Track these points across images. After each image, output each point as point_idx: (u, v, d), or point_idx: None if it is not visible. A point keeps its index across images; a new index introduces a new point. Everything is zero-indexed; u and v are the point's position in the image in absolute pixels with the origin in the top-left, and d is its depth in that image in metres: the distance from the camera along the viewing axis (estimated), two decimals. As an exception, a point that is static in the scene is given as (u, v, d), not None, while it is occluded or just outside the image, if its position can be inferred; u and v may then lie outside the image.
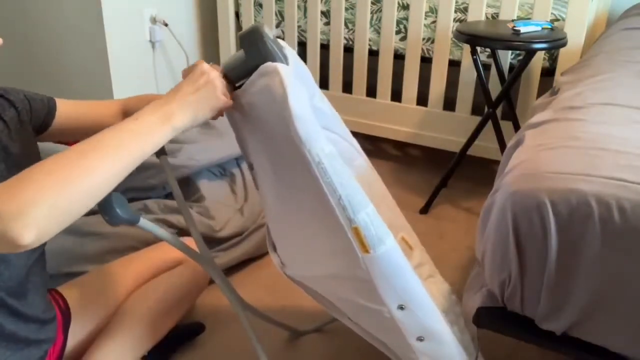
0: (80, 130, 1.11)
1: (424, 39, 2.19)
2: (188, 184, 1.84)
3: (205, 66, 0.86)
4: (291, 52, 0.93)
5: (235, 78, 0.89)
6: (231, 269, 1.68)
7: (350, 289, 0.91)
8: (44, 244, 1.06)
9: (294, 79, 0.82)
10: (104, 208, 0.82)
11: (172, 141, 1.79)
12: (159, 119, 0.80)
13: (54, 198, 0.68)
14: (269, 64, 0.83)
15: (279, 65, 0.82)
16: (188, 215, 1.07)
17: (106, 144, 0.75)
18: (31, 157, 1.01)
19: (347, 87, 2.42)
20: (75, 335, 1.13)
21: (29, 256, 0.99)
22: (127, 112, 1.12)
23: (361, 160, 1.22)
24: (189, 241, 1.36)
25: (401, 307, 0.87)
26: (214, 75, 0.86)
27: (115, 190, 0.83)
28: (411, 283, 0.86)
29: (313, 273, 0.98)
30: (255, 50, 0.84)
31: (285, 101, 0.79)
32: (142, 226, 0.92)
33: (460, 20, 2.12)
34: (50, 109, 1.07)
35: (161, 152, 1.10)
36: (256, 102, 0.86)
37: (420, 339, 0.91)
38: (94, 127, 1.10)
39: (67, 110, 1.09)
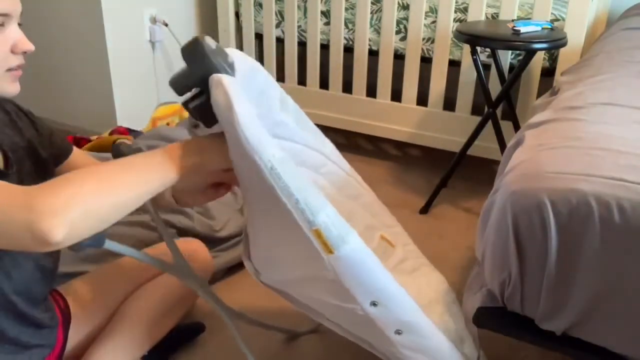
0: None
1: (424, 39, 2.19)
2: (188, 184, 1.84)
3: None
4: (244, 61, 0.93)
5: (179, 91, 0.89)
6: (231, 269, 1.68)
7: (321, 290, 0.91)
8: (59, 255, 1.07)
9: (239, 89, 0.82)
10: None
11: (172, 141, 1.79)
12: (159, 168, 0.83)
13: (89, 204, 0.72)
14: (213, 76, 0.83)
15: (222, 77, 0.82)
16: (160, 225, 1.05)
17: (138, 168, 0.80)
18: (42, 177, 1.03)
19: (347, 87, 2.42)
20: (75, 336, 1.13)
21: (39, 261, 0.99)
22: None
23: (331, 166, 1.22)
24: (191, 242, 1.36)
25: (374, 304, 0.87)
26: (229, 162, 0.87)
27: None
28: (381, 279, 0.85)
29: (285, 277, 0.98)
30: (196, 63, 0.84)
31: (231, 111, 0.79)
32: (108, 248, 0.92)
33: (460, 20, 2.12)
34: (66, 149, 1.10)
35: None
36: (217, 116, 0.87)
37: (398, 332, 0.91)
38: None
39: (77, 160, 1.12)
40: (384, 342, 0.94)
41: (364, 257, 0.83)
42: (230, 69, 0.85)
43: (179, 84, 0.88)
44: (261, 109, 1.04)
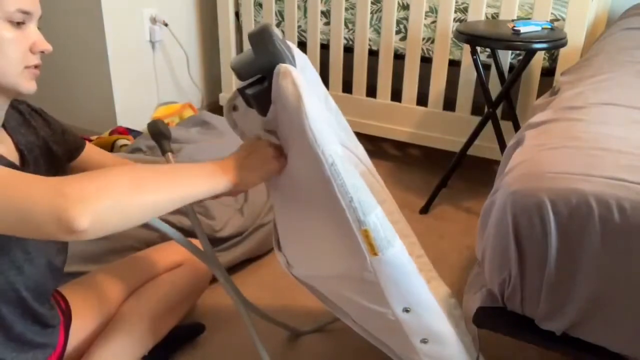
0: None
1: (424, 39, 2.19)
2: (188, 184, 1.84)
3: (265, 142, 0.91)
4: (300, 55, 0.93)
5: (243, 76, 0.90)
6: (232, 269, 1.68)
7: (355, 291, 0.91)
8: (67, 256, 1.08)
9: (304, 80, 0.82)
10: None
11: (172, 141, 1.79)
12: (215, 169, 0.86)
13: (118, 199, 0.73)
14: (280, 65, 0.83)
15: (290, 67, 0.82)
16: (193, 215, 1.08)
17: (172, 175, 0.81)
18: (56, 166, 1.05)
19: (347, 87, 2.42)
20: (76, 336, 1.13)
21: (51, 258, 1.00)
22: None
23: (362, 168, 1.22)
24: (193, 242, 1.37)
25: (406, 310, 0.87)
26: (263, 145, 0.90)
27: None
28: (417, 286, 0.86)
29: (319, 273, 0.98)
30: (264, 50, 0.84)
31: (300, 102, 0.79)
32: (152, 224, 0.93)
33: (460, 20, 2.12)
34: (79, 145, 1.12)
35: (167, 150, 1.11)
36: (276, 105, 0.87)
37: (424, 341, 0.91)
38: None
39: (90, 155, 1.14)
40: (407, 349, 0.94)
41: (406, 263, 0.84)
42: (293, 60, 0.86)
43: (243, 69, 0.88)
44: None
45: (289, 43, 0.91)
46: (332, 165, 0.79)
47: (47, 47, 0.90)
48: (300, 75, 0.82)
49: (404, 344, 0.93)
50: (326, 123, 0.81)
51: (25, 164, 0.96)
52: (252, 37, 0.85)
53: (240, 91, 0.90)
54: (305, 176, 0.84)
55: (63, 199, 0.70)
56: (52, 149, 1.04)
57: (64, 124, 1.11)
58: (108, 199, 0.72)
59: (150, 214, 0.78)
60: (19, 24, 0.86)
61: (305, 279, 1.03)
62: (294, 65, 0.85)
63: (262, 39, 0.84)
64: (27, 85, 0.90)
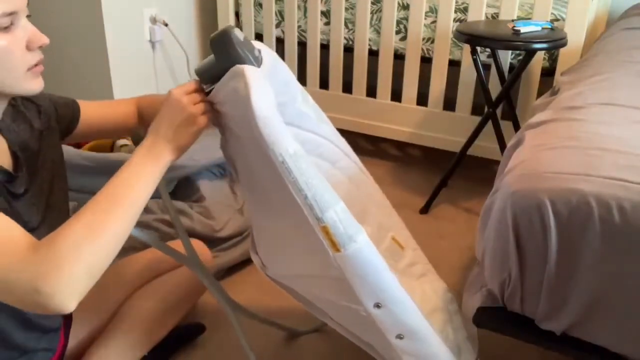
0: (101, 132, 1.14)
1: (424, 39, 2.19)
2: (188, 184, 1.84)
3: (176, 95, 0.89)
4: (270, 55, 0.94)
5: (206, 81, 0.91)
6: (231, 269, 1.68)
7: (327, 289, 0.91)
8: None
9: (261, 80, 0.83)
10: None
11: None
12: (151, 162, 0.86)
13: (92, 262, 0.76)
14: (236, 66, 0.84)
15: (245, 67, 0.83)
16: (175, 217, 1.08)
17: (113, 201, 0.81)
18: (54, 165, 1.03)
19: (347, 87, 2.42)
20: (76, 336, 1.13)
21: None
22: (142, 112, 1.14)
23: (348, 162, 1.22)
24: (191, 242, 1.36)
25: (377, 306, 0.86)
26: (185, 102, 0.88)
27: None
28: (386, 281, 0.85)
29: (291, 272, 0.98)
30: (223, 54, 0.85)
31: (248, 102, 0.80)
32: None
33: (460, 20, 2.12)
34: (74, 113, 1.09)
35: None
36: (227, 105, 0.88)
37: (399, 336, 0.90)
38: (114, 128, 1.14)
39: (89, 114, 1.11)
40: (385, 346, 0.94)
41: (371, 257, 0.83)
42: (255, 61, 0.86)
43: (205, 73, 0.89)
44: (286, 97, 1.04)
45: (257, 43, 0.92)
46: (282, 163, 0.80)
47: (44, 40, 0.86)
48: (258, 75, 0.83)
49: (382, 341, 0.93)
50: (280, 123, 0.81)
51: (18, 168, 0.92)
52: (212, 41, 0.86)
53: (207, 94, 0.92)
54: (266, 177, 0.85)
55: (42, 297, 0.72)
56: (48, 137, 1.01)
57: (55, 99, 1.06)
58: (83, 273, 0.74)
59: (121, 239, 0.80)
60: (7, 28, 0.80)
61: (281, 279, 1.03)
62: (257, 65, 0.86)
63: (221, 43, 0.85)
64: (34, 86, 0.87)
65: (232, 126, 0.90)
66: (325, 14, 2.37)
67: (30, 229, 0.88)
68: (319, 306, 1.02)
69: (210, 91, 0.90)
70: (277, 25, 2.50)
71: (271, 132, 0.80)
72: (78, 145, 1.96)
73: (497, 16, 2.08)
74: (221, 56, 0.86)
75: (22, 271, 0.72)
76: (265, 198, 0.90)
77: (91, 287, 0.77)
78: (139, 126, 1.16)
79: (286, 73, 1.02)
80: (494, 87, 2.06)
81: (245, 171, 0.94)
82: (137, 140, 2.01)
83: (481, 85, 1.91)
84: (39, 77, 0.89)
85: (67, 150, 1.72)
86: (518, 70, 1.81)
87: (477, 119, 2.07)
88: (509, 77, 1.87)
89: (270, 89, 0.83)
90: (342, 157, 1.21)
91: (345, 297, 0.88)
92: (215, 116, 0.93)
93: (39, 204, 0.95)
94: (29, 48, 0.85)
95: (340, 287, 0.86)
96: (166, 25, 2.49)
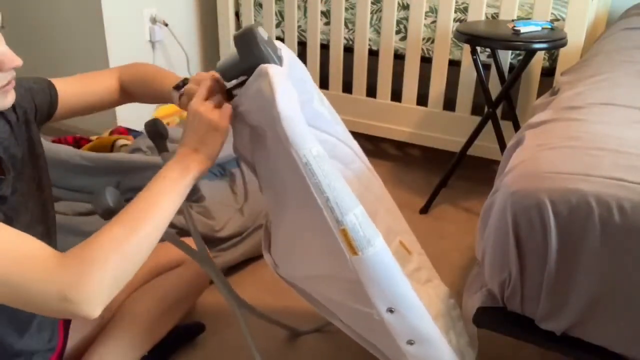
0: (82, 111, 1.12)
1: (424, 39, 2.19)
2: (188, 184, 1.84)
3: (193, 107, 0.89)
4: (289, 54, 0.94)
5: (228, 79, 0.91)
6: (231, 269, 1.68)
7: (340, 291, 0.91)
8: None
9: (285, 80, 0.83)
10: (97, 201, 0.86)
11: (171, 141, 1.79)
12: (178, 175, 0.88)
13: (116, 277, 0.78)
14: (261, 66, 0.84)
15: (269, 67, 0.83)
16: (188, 215, 1.07)
17: (141, 216, 0.83)
18: (37, 159, 1.01)
19: (347, 87, 2.42)
20: (76, 335, 1.13)
21: None
22: (125, 86, 1.13)
23: (359, 164, 1.22)
24: (189, 242, 1.36)
25: (390, 310, 0.86)
26: (203, 111, 0.89)
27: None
28: (401, 286, 0.85)
29: (304, 273, 0.98)
30: (248, 52, 0.85)
31: (273, 102, 0.80)
32: None
33: (460, 20, 2.12)
34: (52, 98, 1.06)
35: (163, 149, 1.11)
36: (252, 106, 0.88)
37: (410, 342, 0.90)
38: (94, 105, 1.12)
39: (68, 95, 1.09)
40: (395, 351, 0.93)
41: (387, 262, 0.83)
42: (279, 61, 0.86)
43: (227, 71, 0.90)
44: (304, 97, 1.04)
45: (279, 43, 0.92)
46: (306, 165, 0.80)
47: (17, 63, 0.83)
48: (282, 75, 0.83)
49: (391, 345, 0.93)
50: (304, 123, 0.81)
51: (3, 170, 0.91)
52: (236, 39, 0.86)
53: (229, 91, 0.92)
54: (287, 177, 0.85)
55: (72, 305, 0.74)
56: (28, 131, 0.99)
57: (30, 85, 1.03)
58: (109, 282, 0.77)
59: (148, 251, 0.82)
60: None
61: (292, 280, 1.03)
62: (280, 64, 0.86)
63: (245, 41, 0.85)
64: (5, 102, 0.86)
65: (255, 125, 0.89)
66: (325, 14, 2.37)
67: (22, 228, 0.88)
68: (330, 308, 1.02)
69: (232, 87, 0.90)
70: (277, 25, 2.50)
71: (295, 133, 0.80)
72: (78, 145, 1.96)
73: (497, 16, 2.08)
74: (245, 54, 0.86)
75: (51, 282, 0.74)
76: (283, 198, 0.90)
77: (117, 292, 0.79)
78: (122, 101, 1.15)
79: (303, 72, 1.02)
80: (494, 87, 2.06)
81: (266, 170, 0.93)
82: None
83: (481, 85, 1.91)
84: (10, 92, 0.87)
85: (67, 150, 1.72)
86: (518, 70, 1.81)
87: (477, 119, 2.07)
88: (509, 77, 1.87)
89: (294, 89, 0.83)
90: (355, 158, 1.21)
91: (358, 300, 0.88)
92: (233, 116, 0.94)
93: (27, 203, 0.95)
94: (0, 69, 0.83)
95: (354, 289, 0.86)
96: (166, 25, 2.49)
